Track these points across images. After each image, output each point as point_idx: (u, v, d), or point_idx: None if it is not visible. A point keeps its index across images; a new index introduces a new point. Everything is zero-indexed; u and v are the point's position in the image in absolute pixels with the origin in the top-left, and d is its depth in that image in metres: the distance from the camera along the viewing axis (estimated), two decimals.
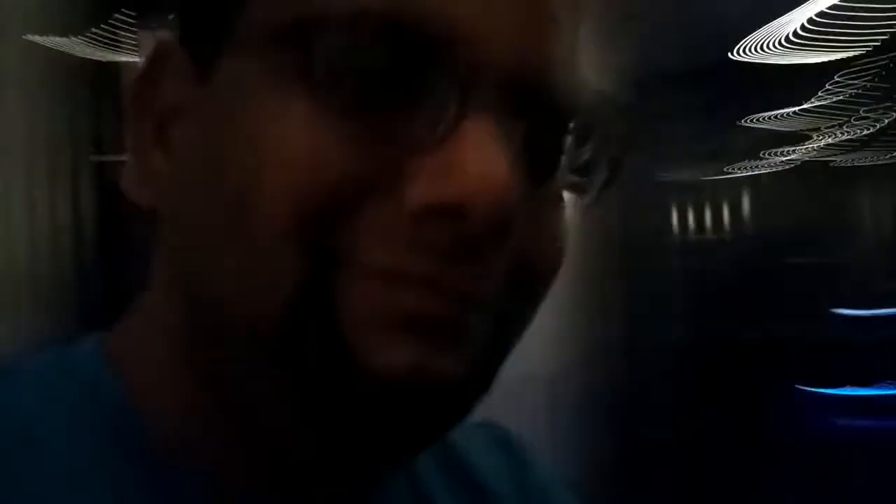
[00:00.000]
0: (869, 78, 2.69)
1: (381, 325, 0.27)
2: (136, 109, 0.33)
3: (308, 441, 0.30)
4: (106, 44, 1.85)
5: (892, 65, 2.57)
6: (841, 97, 2.86)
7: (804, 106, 2.95)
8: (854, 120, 3.04)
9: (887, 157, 3.27)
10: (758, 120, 3.19)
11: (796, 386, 3.23)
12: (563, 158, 0.31)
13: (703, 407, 3.22)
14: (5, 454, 0.31)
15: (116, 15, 1.78)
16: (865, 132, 3.09)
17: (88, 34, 1.77)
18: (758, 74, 2.67)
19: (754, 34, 2.31)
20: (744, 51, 2.44)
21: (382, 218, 0.27)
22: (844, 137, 3.18)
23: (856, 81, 2.73)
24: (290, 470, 0.32)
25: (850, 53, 2.42)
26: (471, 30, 0.27)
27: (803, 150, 3.35)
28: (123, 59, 1.91)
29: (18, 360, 0.36)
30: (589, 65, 0.31)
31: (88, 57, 1.83)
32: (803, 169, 3.48)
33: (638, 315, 3.16)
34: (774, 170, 3.56)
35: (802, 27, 2.16)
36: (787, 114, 3.04)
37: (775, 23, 2.20)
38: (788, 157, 3.43)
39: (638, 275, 3.21)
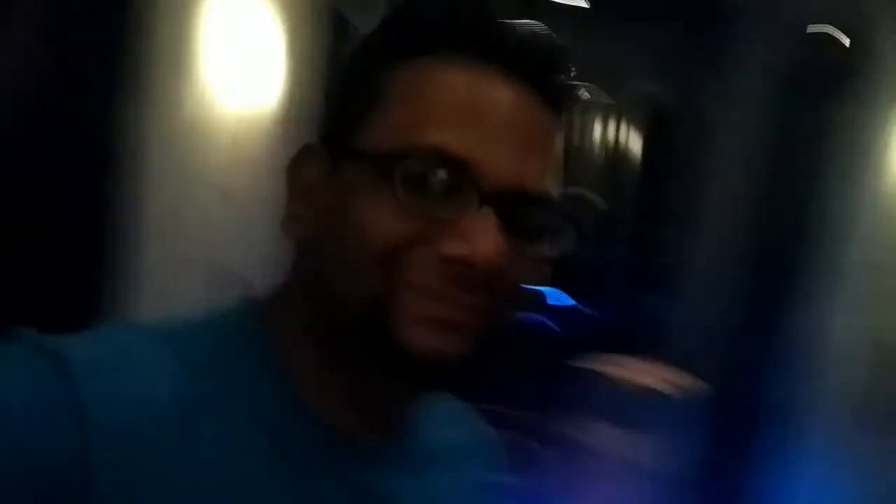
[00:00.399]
0: None
1: (419, 322, 0.51)
2: (290, 179, 0.56)
3: (378, 384, 0.55)
4: None
5: None
6: None
7: None
8: None
9: None
10: None
11: None
12: (537, 234, 0.54)
13: None
14: (185, 402, 0.49)
15: None
16: None
17: None
18: None
19: None
20: None
21: (426, 260, 0.50)
22: None
23: None
24: (371, 403, 0.56)
25: None
26: (486, 159, 0.50)
27: None
28: None
29: (190, 317, 0.56)
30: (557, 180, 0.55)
31: None
32: None
33: None
34: None
35: None
36: None
37: None
38: None
39: None
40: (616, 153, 5.34)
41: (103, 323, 0.60)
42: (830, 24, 2.97)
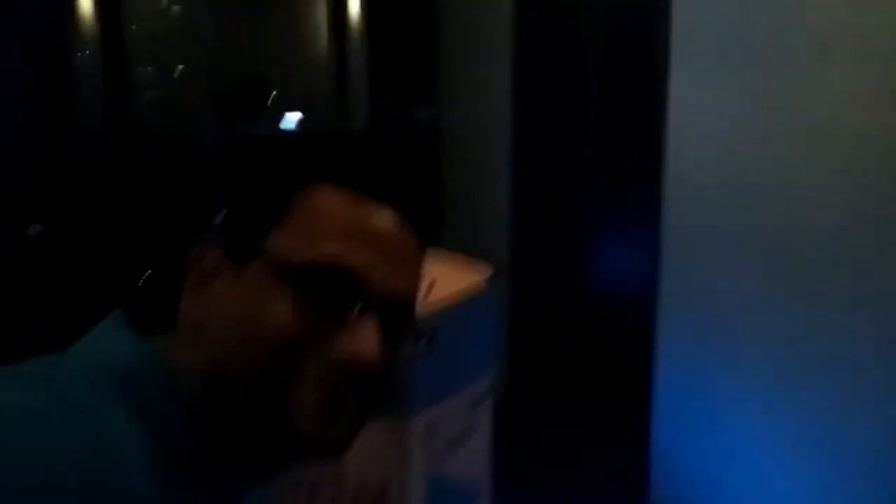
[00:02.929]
0: None
1: (309, 410, 0.60)
2: (194, 272, 0.65)
3: (248, 448, 0.63)
4: None
5: None
6: None
7: None
8: None
9: None
10: None
11: None
12: (404, 338, 0.65)
13: None
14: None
15: None
16: None
17: None
18: None
19: None
20: None
21: (318, 358, 0.60)
22: None
23: None
24: (237, 459, 0.63)
25: None
26: (370, 274, 0.61)
27: None
28: None
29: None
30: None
31: None
32: None
33: None
34: None
35: None
36: None
37: None
38: None
39: None
40: None
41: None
42: None
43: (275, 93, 3.87)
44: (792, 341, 1.65)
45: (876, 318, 1.43)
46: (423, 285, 0.67)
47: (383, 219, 0.63)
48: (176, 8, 3.89)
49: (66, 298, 3.34)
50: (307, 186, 0.63)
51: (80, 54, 3.65)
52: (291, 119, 3.78)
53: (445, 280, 1.62)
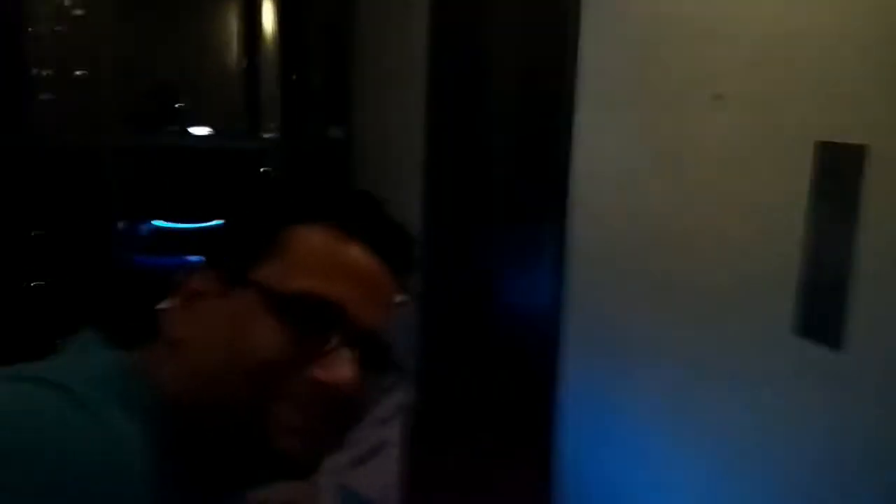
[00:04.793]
0: None
1: (287, 430, 0.63)
2: (184, 290, 0.69)
3: (224, 460, 0.65)
4: None
5: None
6: None
7: None
8: None
9: None
10: None
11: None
12: (378, 369, 0.69)
13: None
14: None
15: None
16: None
17: None
18: None
19: None
20: None
21: (298, 380, 0.64)
22: None
23: None
24: (215, 470, 0.66)
25: None
26: (352, 308, 0.66)
27: None
28: None
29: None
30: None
31: None
32: None
33: None
34: None
35: None
36: None
37: None
38: None
39: None
40: None
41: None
42: None
43: (181, 104, 3.81)
44: (686, 358, 1.79)
45: (764, 334, 1.57)
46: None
47: (363, 256, 0.68)
48: (78, 12, 3.77)
49: None
50: (296, 224, 0.68)
51: None
52: (199, 131, 3.72)
53: None
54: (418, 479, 1.94)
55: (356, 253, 0.68)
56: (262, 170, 3.65)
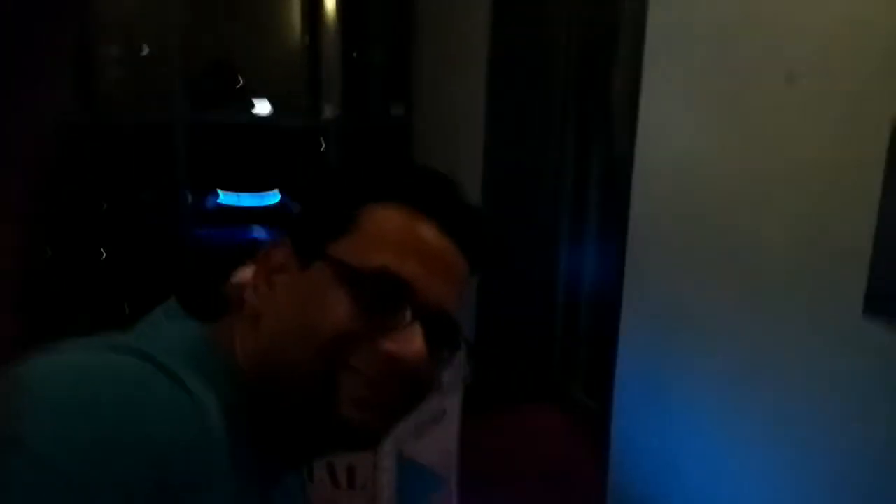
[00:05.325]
0: None
1: (354, 400, 0.67)
2: (262, 264, 0.73)
3: (295, 428, 0.70)
4: None
5: None
6: None
7: None
8: None
9: None
10: None
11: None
12: (445, 345, 0.73)
13: None
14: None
15: None
16: None
17: None
18: None
19: None
20: None
21: (366, 352, 0.68)
22: None
23: None
24: (284, 439, 0.71)
25: None
26: (421, 284, 0.69)
27: None
28: None
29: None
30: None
31: None
32: None
33: None
34: None
35: None
36: None
37: None
38: None
39: None
40: None
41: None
42: None
43: (242, 81, 3.90)
44: (748, 341, 1.79)
45: (826, 326, 1.57)
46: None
47: (435, 236, 0.71)
48: None
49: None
50: (371, 202, 0.72)
51: None
52: (261, 108, 3.81)
53: None
54: (474, 450, 2.00)
55: (429, 232, 0.71)
56: (322, 147, 3.73)
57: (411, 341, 0.67)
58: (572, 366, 3.21)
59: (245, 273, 0.73)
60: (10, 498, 0.47)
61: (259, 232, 3.53)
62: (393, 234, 0.70)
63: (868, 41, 1.46)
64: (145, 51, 3.79)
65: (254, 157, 3.73)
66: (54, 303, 2.96)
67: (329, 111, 3.80)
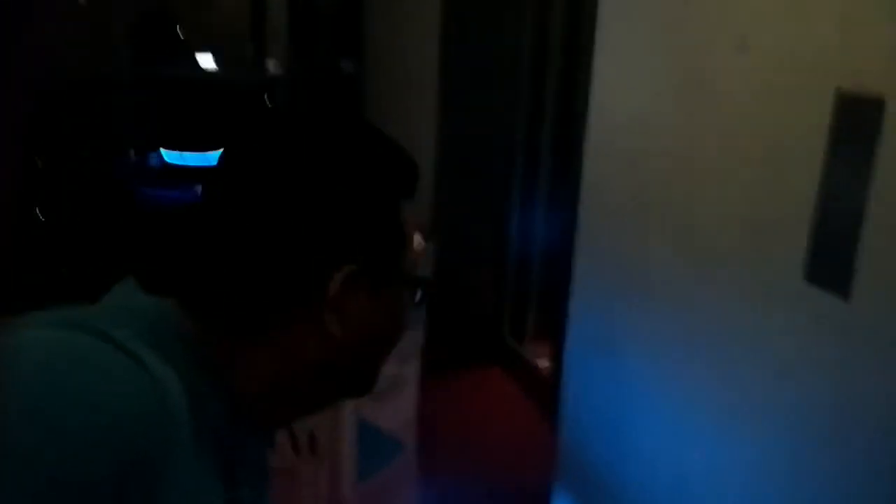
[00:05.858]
0: None
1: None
2: (333, 290, 0.72)
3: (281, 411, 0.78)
4: None
5: None
6: None
7: None
8: None
9: None
10: None
11: None
12: None
13: None
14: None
15: None
16: None
17: None
18: None
19: None
20: None
21: None
22: None
23: None
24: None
25: None
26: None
27: None
28: None
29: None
30: None
31: None
32: None
33: None
34: None
35: None
36: None
37: None
38: None
39: None
40: None
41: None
42: None
43: (180, 31, 3.78)
44: (695, 299, 1.85)
45: (768, 289, 1.63)
46: None
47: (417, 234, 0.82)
48: None
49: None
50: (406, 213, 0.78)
51: None
52: (205, 62, 3.71)
53: None
54: (431, 416, 2.04)
55: (406, 217, 0.78)
56: (267, 103, 3.65)
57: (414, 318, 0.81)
58: (523, 327, 3.27)
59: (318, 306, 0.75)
60: None
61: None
62: (411, 240, 0.79)
63: (820, 12, 1.49)
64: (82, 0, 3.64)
65: (197, 114, 3.64)
66: None
67: (275, 67, 3.71)
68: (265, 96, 3.61)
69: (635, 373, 2.06)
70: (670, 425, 1.93)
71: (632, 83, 2.07)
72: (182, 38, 3.71)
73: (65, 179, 3.43)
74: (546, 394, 2.55)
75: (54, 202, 3.39)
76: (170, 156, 3.59)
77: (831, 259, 1.48)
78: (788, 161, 1.57)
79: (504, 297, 3.29)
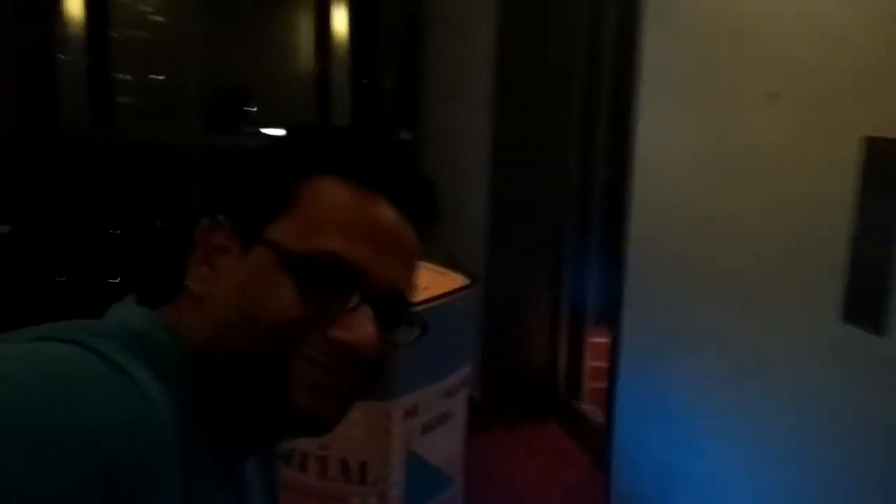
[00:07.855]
0: None
1: (305, 387, 0.65)
2: (203, 246, 0.69)
3: (245, 415, 0.68)
4: None
5: None
6: None
7: None
8: None
9: None
10: None
11: None
12: (399, 326, 0.70)
13: None
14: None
15: None
16: None
17: None
18: None
19: None
20: None
21: (316, 339, 0.65)
22: None
23: None
24: (236, 425, 0.69)
25: None
26: (370, 267, 0.65)
27: None
28: None
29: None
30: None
31: None
32: None
33: None
34: None
35: None
36: None
37: None
38: None
39: None
40: None
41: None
42: None
43: (255, 108, 4.10)
44: (735, 345, 1.93)
45: (810, 323, 1.71)
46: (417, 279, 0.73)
47: (383, 211, 0.67)
48: (158, 18, 4.11)
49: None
50: (312, 176, 0.67)
51: (62, 56, 3.86)
52: (271, 133, 4.01)
53: (429, 284, 1.88)
54: (482, 451, 2.10)
55: (378, 210, 0.67)
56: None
57: (362, 327, 0.65)
58: (578, 380, 3.35)
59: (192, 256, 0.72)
60: None
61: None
62: (339, 214, 0.66)
63: (850, 56, 1.62)
64: (160, 76, 4.00)
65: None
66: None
67: None
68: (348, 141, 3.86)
69: (682, 420, 2.13)
70: (715, 469, 1.99)
71: (671, 139, 2.21)
72: (251, 113, 4.03)
73: (140, 246, 3.68)
74: (599, 444, 2.61)
75: (128, 268, 3.63)
76: None
77: (866, 299, 1.56)
78: (821, 207, 1.66)
79: (558, 351, 3.39)
